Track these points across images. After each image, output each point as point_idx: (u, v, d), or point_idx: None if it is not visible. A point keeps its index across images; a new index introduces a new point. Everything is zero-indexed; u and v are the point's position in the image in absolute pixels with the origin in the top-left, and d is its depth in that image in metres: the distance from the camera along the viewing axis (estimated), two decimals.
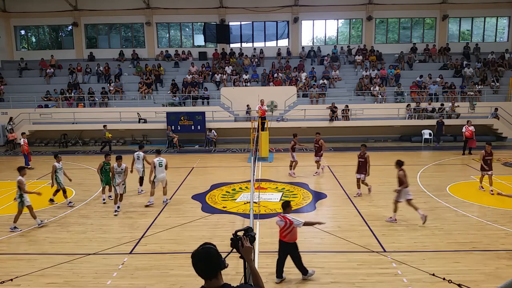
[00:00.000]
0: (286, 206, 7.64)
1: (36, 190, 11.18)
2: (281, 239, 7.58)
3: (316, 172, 15.94)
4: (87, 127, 23.94)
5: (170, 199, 12.87)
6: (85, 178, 15.73)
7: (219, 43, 28.38)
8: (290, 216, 7.51)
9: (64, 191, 12.60)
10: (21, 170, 10.72)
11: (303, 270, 7.70)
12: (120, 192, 11.87)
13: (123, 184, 12.01)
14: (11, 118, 23.67)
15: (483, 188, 13.42)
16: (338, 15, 28.84)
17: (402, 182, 10.36)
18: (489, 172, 13.07)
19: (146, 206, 12.19)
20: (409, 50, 28.09)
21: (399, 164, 10.59)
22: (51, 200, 12.83)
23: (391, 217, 10.66)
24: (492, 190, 12.86)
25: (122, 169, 11.89)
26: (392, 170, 16.75)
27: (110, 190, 12.78)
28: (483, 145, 20.72)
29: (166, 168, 12.45)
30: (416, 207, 10.43)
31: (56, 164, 12.50)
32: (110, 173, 12.14)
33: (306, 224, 7.77)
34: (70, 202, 12.57)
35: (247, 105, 23.84)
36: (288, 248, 7.56)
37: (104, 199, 12.81)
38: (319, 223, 8.13)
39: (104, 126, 22.22)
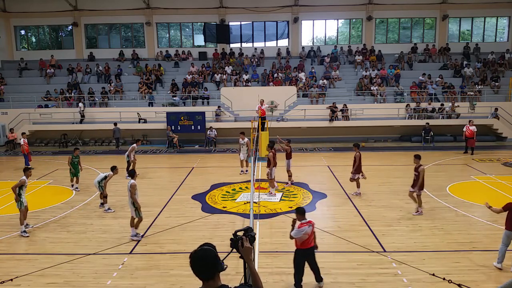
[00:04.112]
0: (304, 212, 7.29)
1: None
2: (305, 247, 7.12)
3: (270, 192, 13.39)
4: (87, 127, 23.95)
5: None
6: (85, 178, 15.66)
7: (219, 43, 28.37)
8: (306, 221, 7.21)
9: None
10: (26, 170, 10.61)
11: (319, 276, 7.42)
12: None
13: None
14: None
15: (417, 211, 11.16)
16: (338, 15, 28.83)
17: (274, 162, 12.92)
18: (411, 189, 11.12)
19: (240, 173, 15.64)
20: (409, 50, 28.09)
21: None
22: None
23: (270, 192, 13.16)
24: (418, 211, 11.16)
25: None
26: (392, 170, 16.92)
27: (77, 182, 14.41)
28: (481, 145, 21.11)
29: (247, 147, 15.73)
30: (273, 186, 13.21)
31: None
32: (79, 166, 14.12)
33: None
34: (27, 225, 10.49)
35: (218, 107, 23.96)
36: (309, 253, 7.21)
37: (72, 185, 14.34)
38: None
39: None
